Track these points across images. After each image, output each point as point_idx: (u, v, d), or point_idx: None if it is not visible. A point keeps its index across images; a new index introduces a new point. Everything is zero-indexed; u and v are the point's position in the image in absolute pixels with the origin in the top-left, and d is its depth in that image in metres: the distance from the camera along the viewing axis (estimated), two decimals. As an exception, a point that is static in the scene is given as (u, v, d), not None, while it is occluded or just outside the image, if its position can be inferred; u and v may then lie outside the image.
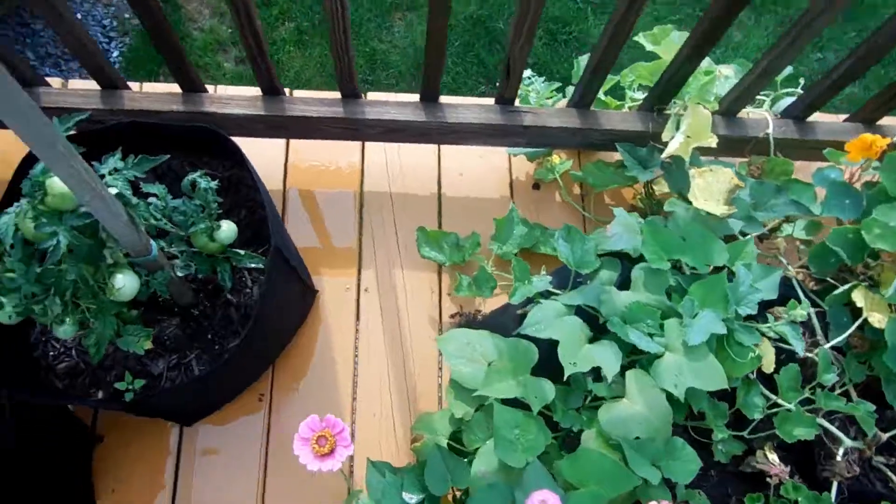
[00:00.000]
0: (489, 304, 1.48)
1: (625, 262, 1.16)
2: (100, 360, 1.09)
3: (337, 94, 1.38)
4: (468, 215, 1.55)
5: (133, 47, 2.53)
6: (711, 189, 1.17)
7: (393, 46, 2.56)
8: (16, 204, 0.95)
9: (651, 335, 1.06)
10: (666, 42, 1.33)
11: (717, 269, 1.10)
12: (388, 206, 1.55)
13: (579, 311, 1.10)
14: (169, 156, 1.02)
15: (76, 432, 1.33)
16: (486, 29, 2.61)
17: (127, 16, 2.58)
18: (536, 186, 1.58)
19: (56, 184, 0.91)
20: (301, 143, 1.56)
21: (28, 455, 1.15)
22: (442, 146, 1.60)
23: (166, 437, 1.37)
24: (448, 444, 1.10)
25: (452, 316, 1.47)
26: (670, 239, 1.10)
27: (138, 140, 1.13)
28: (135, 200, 0.97)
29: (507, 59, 1.26)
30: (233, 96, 1.37)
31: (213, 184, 1.09)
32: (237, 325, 1.22)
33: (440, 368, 1.44)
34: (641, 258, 1.12)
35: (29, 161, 1.16)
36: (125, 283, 0.99)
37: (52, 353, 1.20)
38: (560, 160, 1.55)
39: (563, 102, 1.49)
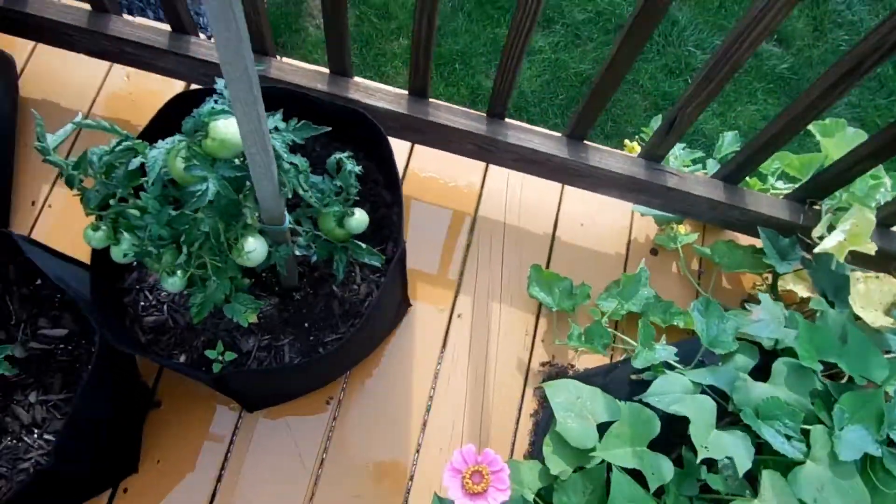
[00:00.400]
0: (583, 360, 1.40)
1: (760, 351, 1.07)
2: (198, 322, 1.03)
3: (478, 111, 1.34)
4: (578, 264, 1.47)
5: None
6: (873, 297, 1.08)
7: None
8: (169, 139, 0.90)
9: (788, 437, 0.96)
10: (838, 136, 1.26)
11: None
12: (500, 235, 1.48)
13: (705, 393, 1.01)
14: (331, 128, 0.98)
15: (138, 391, 1.26)
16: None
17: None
18: (654, 252, 1.50)
19: (220, 127, 0.86)
20: (425, 151, 1.51)
21: (94, 401, 1.09)
22: (566, 188, 1.54)
23: (224, 419, 1.30)
24: (534, 499, 1.01)
25: (543, 364, 1.39)
26: (827, 339, 1.00)
27: (286, 108, 1.09)
28: (286, 165, 0.92)
29: (674, 116, 1.19)
30: (379, 88, 1.33)
31: (358, 168, 1.04)
32: (337, 319, 1.15)
33: (519, 412, 1.35)
34: (783, 352, 1.04)
35: (174, 104, 1.13)
36: (256, 248, 0.93)
37: (142, 304, 1.15)
38: (686, 231, 1.47)
39: (701, 173, 1.42)
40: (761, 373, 1.04)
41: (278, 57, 1.36)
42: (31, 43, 1.50)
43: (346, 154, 1.03)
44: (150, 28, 1.33)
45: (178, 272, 0.99)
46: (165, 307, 1.14)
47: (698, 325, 1.07)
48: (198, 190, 0.85)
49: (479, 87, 2.54)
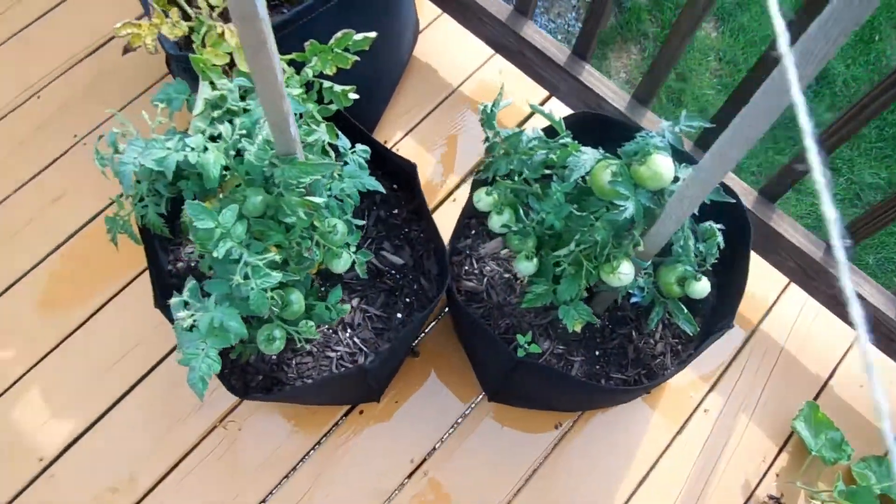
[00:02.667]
0: (811, 515, 1.34)
1: None
2: (524, 306, 1.11)
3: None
4: (842, 421, 1.41)
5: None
6: None
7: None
8: (593, 150, 1.00)
9: None
10: None
11: None
12: (773, 356, 1.46)
13: None
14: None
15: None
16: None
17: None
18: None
19: (658, 161, 0.93)
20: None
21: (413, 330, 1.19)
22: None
23: (462, 394, 1.38)
24: None
25: (771, 498, 1.34)
26: None
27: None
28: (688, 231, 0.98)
29: None
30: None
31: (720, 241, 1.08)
32: (629, 362, 1.20)
33: (727, 533, 1.32)
34: None
35: (580, 118, 1.24)
36: (629, 273, 0.99)
37: (465, 268, 1.25)
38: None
39: None
40: None
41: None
42: (439, 11, 1.69)
43: (719, 226, 1.08)
44: (553, 43, 1.46)
45: (535, 259, 1.08)
46: (485, 280, 1.24)
47: None
48: (622, 206, 0.93)
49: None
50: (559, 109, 1.61)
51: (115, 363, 1.37)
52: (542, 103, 1.63)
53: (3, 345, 1.37)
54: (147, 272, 1.43)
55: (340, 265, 0.96)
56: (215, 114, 0.87)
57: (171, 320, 1.17)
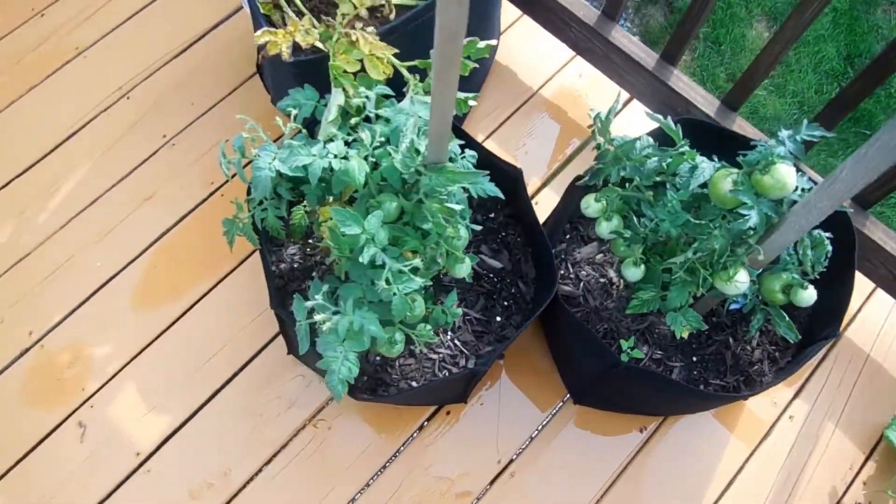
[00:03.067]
0: (900, 524, 1.33)
1: None
2: (630, 312, 1.12)
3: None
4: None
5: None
6: None
7: None
8: (708, 161, 1.00)
9: None
10: None
11: None
12: (859, 364, 1.45)
13: None
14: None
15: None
16: None
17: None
18: None
19: (782, 171, 0.93)
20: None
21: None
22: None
23: (547, 397, 1.39)
24: None
25: (860, 505, 1.34)
26: None
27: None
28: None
29: None
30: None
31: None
32: (727, 368, 1.20)
33: (815, 540, 1.32)
34: None
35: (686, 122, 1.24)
36: (745, 281, 1.00)
37: (561, 272, 1.26)
38: None
39: None
40: None
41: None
42: (519, 12, 1.69)
43: (828, 234, 1.08)
44: (641, 47, 1.46)
45: (642, 265, 1.09)
46: (582, 284, 1.24)
47: None
48: (746, 215, 0.93)
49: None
50: (638, 113, 1.61)
51: (208, 360, 1.40)
52: (622, 107, 1.64)
53: (100, 341, 1.41)
54: (235, 271, 1.47)
55: (462, 270, 0.97)
56: (352, 121, 0.89)
57: (281, 320, 1.20)
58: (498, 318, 1.21)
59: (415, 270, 0.82)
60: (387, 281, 0.82)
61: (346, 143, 0.90)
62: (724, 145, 1.11)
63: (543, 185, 1.57)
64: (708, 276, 1.01)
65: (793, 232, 0.95)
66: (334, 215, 0.81)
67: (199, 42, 1.64)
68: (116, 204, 1.50)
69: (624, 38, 1.47)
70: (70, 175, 1.52)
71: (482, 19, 1.39)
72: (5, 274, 1.44)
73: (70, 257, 1.45)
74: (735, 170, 0.98)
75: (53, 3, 1.66)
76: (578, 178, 1.19)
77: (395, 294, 0.81)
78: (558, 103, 1.63)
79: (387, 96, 0.92)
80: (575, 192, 1.24)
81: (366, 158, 0.85)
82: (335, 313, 0.86)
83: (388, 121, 0.88)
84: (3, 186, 1.50)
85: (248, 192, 1.08)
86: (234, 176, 1.52)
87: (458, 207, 0.84)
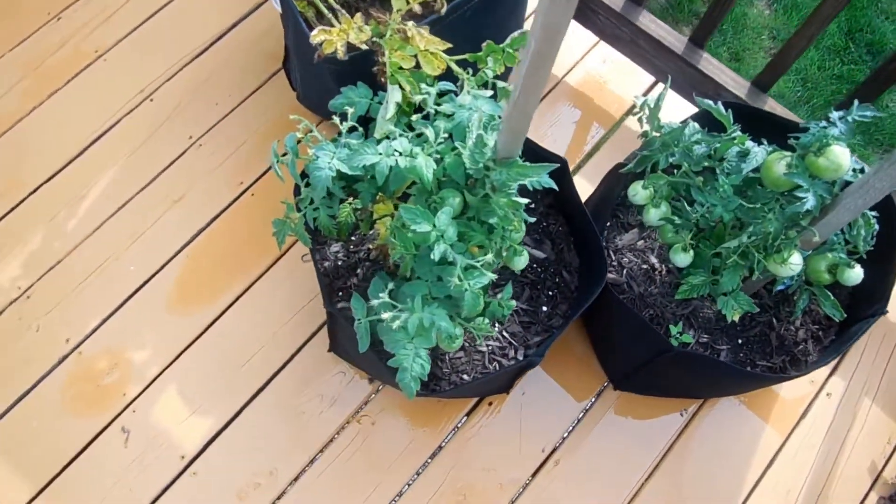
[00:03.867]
0: (940, 496, 1.36)
1: None
2: (679, 297, 1.13)
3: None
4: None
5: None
6: None
7: None
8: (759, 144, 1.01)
9: None
10: None
11: None
12: (892, 341, 1.47)
13: None
14: None
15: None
16: None
17: None
18: None
19: (837, 153, 0.94)
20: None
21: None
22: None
23: (587, 385, 1.40)
24: None
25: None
26: None
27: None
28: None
29: None
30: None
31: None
32: (773, 349, 1.21)
33: (858, 514, 1.35)
34: None
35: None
36: (798, 263, 1.01)
37: (626, 259, 1.26)
38: None
39: None
40: None
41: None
42: (538, 4, 1.68)
43: (874, 213, 1.09)
44: (669, 31, 1.47)
45: (691, 251, 1.10)
46: (625, 271, 1.25)
47: None
48: (803, 198, 0.94)
49: None
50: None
51: (248, 361, 1.40)
52: (647, 92, 1.64)
53: (138, 345, 1.40)
54: (269, 271, 1.46)
55: (521, 262, 0.97)
56: (414, 118, 0.88)
57: (332, 318, 1.20)
58: (544, 308, 1.21)
59: (488, 266, 0.82)
60: (458, 277, 0.82)
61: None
62: (759, 126, 1.12)
63: (573, 172, 1.57)
64: (762, 259, 1.02)
65: (848, 212, 0.96)
66: (403, 213, 0.80)
67: (220, 41, 1.63)
68: (146, 207, 1.49)
69: (652, 22, 1.47)
70: (98, 179, 1.50)
71: (513, 12, 1.38)
72: (39, 281, 1.42)
73: (103, 262, 1.44)
74: (787, 153, 0.99)
75: (70, 6, 1.63)
76: (620, 165, 1.19)
77: (466, 290, 0.81)
78: (583, 90, 1.63)
79: (443, 93, 0.91)
80: (615, 179, 1.24)
81: (429, 155, 0.84)
82: (405, 311, 0.86)
83: (447, 116, 0.88)
84: (32, 193, 1.49)
85: (295, 192, 1.08)
86: (265, 173, 1.52)
87: (524, 201, 0.84)
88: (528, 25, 1.65)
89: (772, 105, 1.41)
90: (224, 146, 1.53)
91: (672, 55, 1.45)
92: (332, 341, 1.35)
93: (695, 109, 1.48)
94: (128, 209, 1.48)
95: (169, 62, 1.59)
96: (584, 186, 1.54)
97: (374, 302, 0.87)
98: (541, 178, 0.94)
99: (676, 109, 1.57)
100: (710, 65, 1.43)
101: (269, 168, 1.52)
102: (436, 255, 0.80)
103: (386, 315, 0.85)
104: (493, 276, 0.83)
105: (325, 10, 1.17)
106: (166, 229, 1.47)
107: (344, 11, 1.18)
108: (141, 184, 1.50)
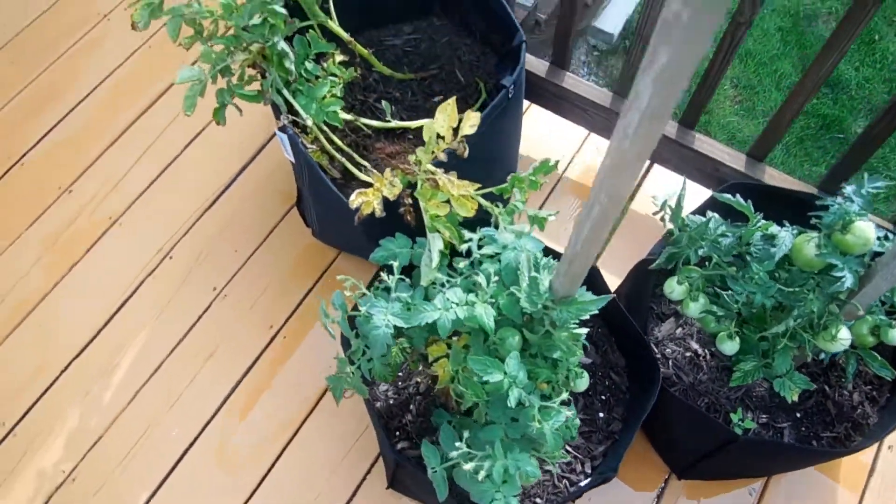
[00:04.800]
0: None
1: None
2: (734, 384, 1.13)
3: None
4: None
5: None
6: None
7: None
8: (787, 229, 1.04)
9: None
10: None
11: None
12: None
13: None
14: None
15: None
16: None
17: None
18: None
19: (862, 228, 0.97)
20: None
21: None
22: None
23: (649, 479, 1.38)
24: None
25: (981, 523, 1.35)
26: None
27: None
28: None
29: None
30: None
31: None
32: (833, 418, 1.21)
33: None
34: None
35: (730, 189, 1.28)
36: (848, 338, 1.02)
37: (669, 350, 1.27)
38: None
39: None
40: None
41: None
42: (526, 103, 1.75)
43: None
44: (660, 118, 1.52)
45: (737, 338, 1.11)
46: (670, 362, 1.26)
47: None
48: (842, 277, 0.96)
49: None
50: (660, 174, 1.66)
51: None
52: (646, 174, 1.69)
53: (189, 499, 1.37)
54: (312, 414, 1.45)
55: (583, 384, 0.98)
56: (461, 265, 0.90)
57: (395, 463, 1.18)
58: (601, 415, 1.21)
59: (565, 403, 0.83)
60: (536, 420, 0.82)
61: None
62: (769, 201, 1.16)
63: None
64: (811, 339, 1.04)
65: (886, 282, 0.98)
66: (473, 365, 0.81)
67: (230, 188, 1.66)
68: (180, 367, 1.48)
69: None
70: (127, 346, 1.50)
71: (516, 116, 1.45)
72: (82, 462, 1.40)
73: (144, 431, 1.42)
74: (812, 233, 1.02)
75: (79, 178, 1.67)
76: (646, 261, 1.22)
77: (545, 432, 0.82)
78: (584, 182, 1.68)
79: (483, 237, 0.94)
80: (643, 275, 1.27)
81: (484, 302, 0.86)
82: (477, 458, 0.86)
83: (491, 258, 0.90)
84: (63, 371, 1.48)
85: (344, 346, 1.09)
86: (293, 313, 1.52)
87: (584, 331, 0.86)
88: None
89: (770, 173, 1.46)
90: (249, 292, 1.55)
91: (665, 139, 1.50)
92: (391, 478, 1.33)
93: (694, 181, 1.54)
94: (162, 372, 1.48)
95: (182, 218, 1.62)
96: (606, 277, 1.56)
97: (453, 453, 0.87)
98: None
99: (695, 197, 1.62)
100: (704, 143, 1.49)
101: (297, 308, 1.53)
102: (511, 401, 0.80)
103: (468, 466, 0.85)
104: (570, 413, 0.84)
105: (352, 167, 1.22)
106: (203, 386, 1.46)
107: (363, 161, 1.23)
108: (171, 344, 1.50)
